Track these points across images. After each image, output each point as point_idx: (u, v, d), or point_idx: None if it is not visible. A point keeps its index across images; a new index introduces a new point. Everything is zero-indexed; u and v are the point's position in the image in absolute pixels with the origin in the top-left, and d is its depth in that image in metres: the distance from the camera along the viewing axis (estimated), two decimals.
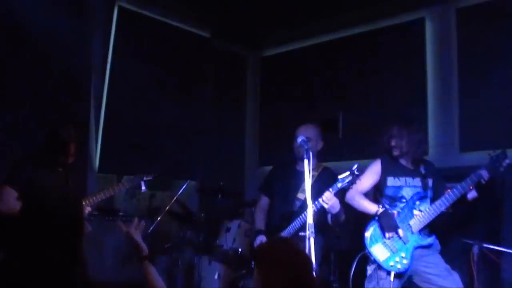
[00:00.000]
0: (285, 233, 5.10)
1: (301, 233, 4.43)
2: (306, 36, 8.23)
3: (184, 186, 6.44)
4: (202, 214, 6.64)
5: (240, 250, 6.24)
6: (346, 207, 5.17)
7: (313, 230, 4.22)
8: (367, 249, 4.95)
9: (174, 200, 6.52)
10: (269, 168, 6.09)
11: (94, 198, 5.07)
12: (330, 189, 4.88)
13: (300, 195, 5.27)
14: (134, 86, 6.95)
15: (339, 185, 4.87)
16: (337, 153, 6.93)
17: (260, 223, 5.54)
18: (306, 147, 4.62)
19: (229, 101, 8.45)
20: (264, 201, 5.66)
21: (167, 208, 6.37)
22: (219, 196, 6.70)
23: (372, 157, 5.29)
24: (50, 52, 6.10)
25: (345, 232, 6.01)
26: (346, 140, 7.46)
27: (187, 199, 6.73)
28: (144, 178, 5.37)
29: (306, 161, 4.48)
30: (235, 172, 8.32)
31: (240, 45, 8.66)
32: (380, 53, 7.47)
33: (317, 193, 4.75)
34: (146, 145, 7.04)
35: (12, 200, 4.69)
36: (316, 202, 4.86)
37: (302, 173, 4.91)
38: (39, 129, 5.55)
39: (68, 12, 6.30)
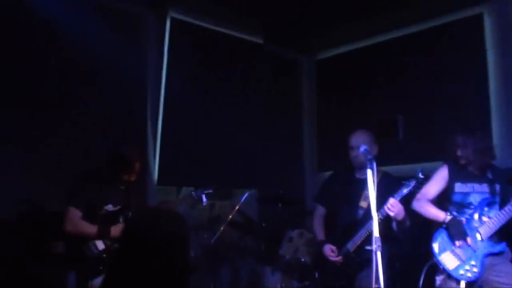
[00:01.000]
0: (350, 244, 5.07)
1: (367, 247, 4.32)
2: (361, 37, 8.16)
3: (245, 196, 6.40)
4: (263, 224, 6.65)
5: (302, 260, 6.19)
6: (410, 212, 5.08)
7: (379, 244, 4.15)
8: (435, 258, 4.87)
9: (235, 210, 6.46)
10: (328, 174, 6.00)
11: None
12: (395, 196, 4.80)
13: (362, 203, 5.21)
14: (190, 96, 6.99)
15: (404, 191, 4.81)
16: (397, 157, 6.81)
17: (320, 233, 5.50)
18: (369, 156, 4.53)
19: (286, 107, 8.42)
20: (320, 211, 5.60)
21: (229, 218, 6.32)
22: (279, 205, 6.65)
23: (433, 159, 5.24)
24: (106, 68, 6.24)
25: (410, 239, 5.86)
26: (405, 143, 7.33)
27: (247, 208, 6.67)
28: (205, 192, 5.37)
29: (369, 171, 4.38)
30: (294, 179, 8.31)
31: (294, 49, 8.64)
32: (437, 52, 7.34)
33: (379, 201, 4.56)
34: (204, 156, 7.09)
35: (78, 221, 4.83)
36: (381, 210, 4.79)
37: (362, 181, 5.02)
38: (97, 146, 5.71)
39: (121, 28, 6.42)
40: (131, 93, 6.52)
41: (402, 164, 6.80)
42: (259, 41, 7.90)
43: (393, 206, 4.80)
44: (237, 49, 7.64)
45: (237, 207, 6.39)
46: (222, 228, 6.26)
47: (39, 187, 5.76)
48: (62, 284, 5.16)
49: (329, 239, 5.35)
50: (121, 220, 4.99)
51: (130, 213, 4.99)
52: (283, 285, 6.32)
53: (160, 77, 6.86)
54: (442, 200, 5.11)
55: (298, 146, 8.63)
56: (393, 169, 5.60)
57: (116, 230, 4.88)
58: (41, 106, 5.89)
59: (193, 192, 5.33)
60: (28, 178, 5.73)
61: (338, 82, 8.36)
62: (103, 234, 4.86)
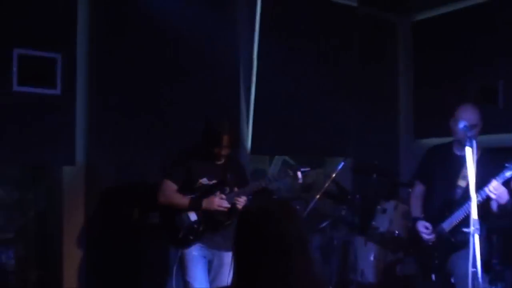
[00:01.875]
0: (447, 224, 4.96)
1: (464, 229, 4.27)
2: None
3: (340, 166, 6.33)
4: (357, 196, 6.63)
5: (397, 232, 6.20)
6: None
7: (478, 226, 4.08)
8: None
9: (328, 178, 6.41)
10: (426, 141, 5.87)
11: (247, 190, 5.19)
12: (497, 179, 4.64)
13: (461, 182, 5.04)
14: (282, 64, 6.97)
15: (507, 174, 4.63)
16: (496, 125, 6.46)
17: (416, 210, 5.37)
18: (469, 134, 4.42)
19: (380, 72, 8.20)
20: (419, 188, 5.46)
21: (324, 188, 6.28)
22: (374, 175, 6.63)
23: None
24: (199, 40, 6.33)
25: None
26: (506, 111, 6.99)
27: (340, 177, 6.63)
28: (302, 170, 5.26)
29: (468, 149, 4.27)
30: (389, 146, 8.16)
31: (389, 11, 8.35)
32: None
33: (478, 180, 4.40)
34: (296, 124, 7.07)
35: (170, 192, 5.09)
36: (481, 192, 4.65)
37: (461, 158, 4.85)
38: (194, 120, 5.83)
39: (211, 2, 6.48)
40: (224, 64, 6.56)
41: (502, 133, 6.62)
42: (353, 3, 7.72)
43: (495, 189, 4.63)
44: (329, 13, 7.50)
45: (332, 176, 6.32)
46: (317, 198, 6.19)
47: (143, 160, 6.04)
48: (163, 254, 5.59)
49: (424, 217, 5.24)
50: (217, 193, 5.10)
51: (227, 188, 5.13)
52: (376, 256, 6.34)
53: (252, 46, 6.86)
54: None
55: (394, 112, 8.44)
56: (492, 138, 5.49)
57: (208, 202, 5.04)
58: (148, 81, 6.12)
59: (289, 169, 5.29)
60: (132, 151, 6.02)
61: (435, 45, 8.00)
62: (194, 206, 5.07)
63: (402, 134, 8.40)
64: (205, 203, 5.05)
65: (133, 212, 5.97)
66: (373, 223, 6.40)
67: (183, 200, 5.06)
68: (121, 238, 5.87)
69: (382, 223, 6.33)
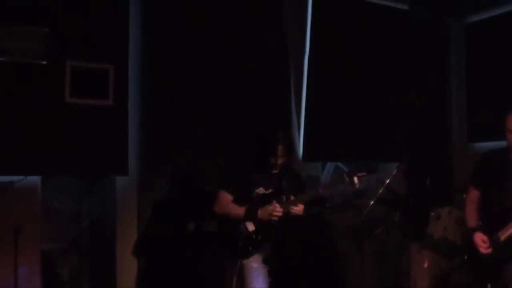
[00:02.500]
0: (503, 232, 4.80)
1: None
2: None
3: (395, 172, 6.30)
4: (411, 201, 6.57)
5: (451, 239, 6.08)
6: None
7: None
8: None
9: (382, 184, 6.41)
10: (480, 145, 5.73)
11: (304, 198, 5.13)
12: None
13: None
14: (333, 69, 6.98)
15: None
16: None
17: (472, 220, 5.18)
18: None
19: (432, 74, 8.12)
20: (474, 194, 5.27)
21: (379, 194, 6.29)
22: (427, 181, 6.56)
23: None
24: (251, 50, 6.40)
25: None
26: None
27: (393, 182, 6.53)
28: (358, 174, 5.17)
29: None
30: (442, 151, 8.04)
31: (441, 13, 8.24)
32: None
33: None
34: (348, 129, 7.07)
35: (226, 203, 5.09)
36: None
37: None
38: (247, 127, 5.97)
39: (261, 5, 6.54)
40: (275, 69, 6.60)
41: None
42: (405, 7, 7.67)
43: None
44: (381, 17, 7.49)
45: (386, 182, 6.28)
46: (371, 203, 6.20)
47: (198, 169, 6.09)
48: (219, 265, 5.50)
49: (480, 225, 5.08)
50: (273, 202, 5.05)
51: (284, 197, 5.07)
52: (430, 263, 6.22)
53: (303, 52, 6.88)
54: None
55: (446, 115, 8.30)
56: None
57: (263, 211, 5.01)
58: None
59: (345, 174, 5.20)
60: (186, 160, 6.07)
61: (489, 47, 7.89)
62: (250, 216, 5.03)
63: (455, 138, 8.27)
64: (260, 213, 5.03)
65: (188, 221, 6.01)
66: (427, 230, 6.30)
67: (239, 210, 5.05)
68: (175, 248, 5.91)
69: (436, 229, 6.22)
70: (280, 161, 5.09)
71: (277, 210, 4.98)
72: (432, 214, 6.35)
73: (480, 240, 4.87)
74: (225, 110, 6.27)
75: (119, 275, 5.83)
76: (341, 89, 7.04)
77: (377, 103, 7.32)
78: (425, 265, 6.22)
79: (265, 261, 5.13)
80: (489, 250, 4.81)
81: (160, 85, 6.03)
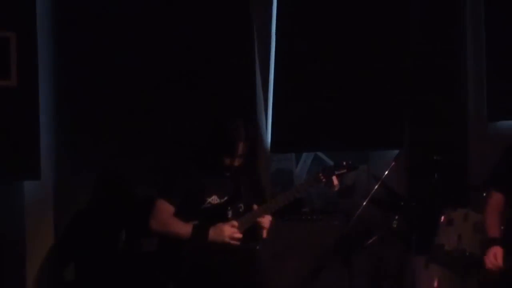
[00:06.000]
0: None
1: None
2: None
3: (393, 163, 5.78)
4: (414, 202, 6.05)
5: (468, 251, 5.54)
6: None
7: None
8: None
9: (376, 180, 5.90)
10: (503, 124, 5.66)
11: (271, 207, 4.68)
12: None
13: None
14: (307, 29, 6.40)
15: None
16: None
17: (493, 229, 4.68)
18: None
19: (440, 41, 7.23)
20: (496, 198, 4.75)
21: (372, 193, 5.74)
22: (436, 175, 5.95)
23: None
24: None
25: None
26: None
27: (391, 177, 5.95)
28: (336, 172, 4.75)
29: None
30: (455, 133, 7.26)
31: None
32: None
33: None
34: (328, 110, 6.47)
35: (167, 218, 4.59)
36: None
37: None
38: (194, 121, 5.57)
39: None
40: (233, 41, 6.03)
41: None
42: None
43: None
44: None
45: (382, 177, 5.74)
46: (361, 207, 5.66)
47: (129, 171, 5.61)
48: None
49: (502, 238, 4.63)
50: (229, 215, 4.63)
51: (242, 205, 4.71)
52: (441, 282, 5.74)
53: (269, 20, 6.33)
54: None
55: (460, 87, 7.40)
56: None
57: (216, 233, 4.53)
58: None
59: (320, 174, 4.73)
60: (114, 160, 5.55)
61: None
62: (199, 238, 4.51)
63: (471, 117, 7.44)
64: (212, 234, 4.51)
65: (119, 236, 5.42)
66: (436, 239, 5.77)
67: (184, 228, 4.51)
68: (103, 272, 5.31)
69: (447, 238, 5.70)
70: (238, 162, 4.64)
71: (234, 231, 4.50)
72: (443, 218, 5.84)
73: (493, 256, 4.55)
74: (167, 94, 5.69)
75: None
76: (318, 56, 6.43)
77: (368, 73, 6.62)
78: (435, 284, 5.75)
79: None
80: (497, 270, 4.50)
81: (82, 60, 5.36)
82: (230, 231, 4.51)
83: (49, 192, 5.31)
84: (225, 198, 4.69)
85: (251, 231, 4.63)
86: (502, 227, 4.70)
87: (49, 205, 5.32)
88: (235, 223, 4.55)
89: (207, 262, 4.55)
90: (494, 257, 4.49)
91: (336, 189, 4.93)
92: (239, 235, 4.56)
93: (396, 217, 6.04)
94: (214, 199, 4.66)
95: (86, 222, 5.40)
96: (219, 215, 4.61)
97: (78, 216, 5.39)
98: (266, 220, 4.64)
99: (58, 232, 5.32)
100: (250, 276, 4.49)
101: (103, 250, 5.38)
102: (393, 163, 5.82)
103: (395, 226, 6.04)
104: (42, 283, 5.31)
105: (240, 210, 4.67)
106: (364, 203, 5.73)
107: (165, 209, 4.56)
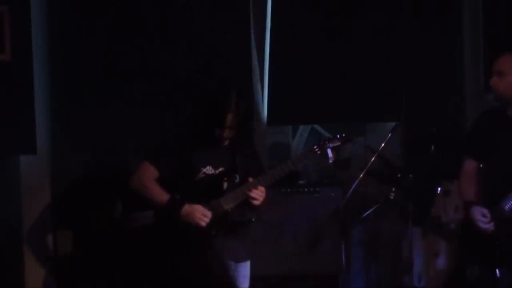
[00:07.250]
0: (506, 203, 4.36)
1: None
2: None
3: (389, 135, 5.80)
4: (411, 174, 5.98)
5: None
6: None
7: None
8: None
9: (372, 152, 5.91)
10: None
11: (266, 180, 4.63)
12: None
13: None
14: (306, 9, 6.35)
15: None
16: None
17: (469, 193, 4.71)
18: None
19: (437, 13, 7.11)
20: (470, 165, 4.79)
21: (369, 165, 5.80)
22: (433, 147, 5.97)
23: None
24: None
25: None
26: None
27: (388, 149, 5.98)
28: (331, 145, 4.71)
29: None
30: (451, 105, 7.14)
31: None
32: None
33: None
34: (324, 81, 6.43)
35: (147, 180, 4.61)
36: None
37: None
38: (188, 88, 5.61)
39: None
40: (227, 13, 6.05)
41: None
42: None
43: None
44: None
45: (379, 149, 5.79)
46: (357, 180, 5.72)
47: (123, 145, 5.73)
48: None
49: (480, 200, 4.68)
50: (225, 186, 4.63)
51: (237, 176, 4.67)
52: (439, 252, 5.89)
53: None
54: None
55: (456, 58, 7.28)
56: None
57: (188, 211, 4.52)
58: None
59: (315, 147, 4.73)
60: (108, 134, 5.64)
61: None
62: (171, 210, 4.52)
63: (468, 88, 7.30)
64: (185, 211, 4.50)
65: (114, 207, 5.38)
66: (433, 210, 5.87)
67: (160, 196, 4.53)
68: (101, 245, 5.43)
69: (444, 210, 5.79)
70: (228, 133, 4.62)
71: (204, 214, 4.49)
72: (439, 190, 5.94)
73: (479, 213, 4.53)
74: (161, 66, 5.71)
75: (27, 277, 5.40)
76: (315, 28, 6.38)
77: (365, 45, 6.57)
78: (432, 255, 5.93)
79: None
80: (490, 225, 4.48)
81: (76, 33, 5.42)
82: (200, 215, 4.52)
83: (45, 166, 5.36)
84: (220, 169, 4.69)
85: (248, 202, 4.62)
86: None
87: (47, 181, 5.38)
88: (208, 213, 4.53)
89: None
90: (481, 215, 4.50)
91: (331, 161, 4.86)
92: (205, 221, 4.52)
93: (393, 189, 6.04)
94: (208, 169, 4.67)
95: (83, 193, 5.44)
96: (214, 186, 4.63)
97: (74, 187, 5.42)
98: (259, 193, 4.62)
99: (54, 204, 5.37)
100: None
101: (99, 219, 5.42)
102: (390, 135, 5.83)
103: (392, 198, 6.03)
104: (40, 254, 5.35)
105: (236, 181, 4.66)
106: (361, 175, 5.76)
107: (149, 171, 4.59)
